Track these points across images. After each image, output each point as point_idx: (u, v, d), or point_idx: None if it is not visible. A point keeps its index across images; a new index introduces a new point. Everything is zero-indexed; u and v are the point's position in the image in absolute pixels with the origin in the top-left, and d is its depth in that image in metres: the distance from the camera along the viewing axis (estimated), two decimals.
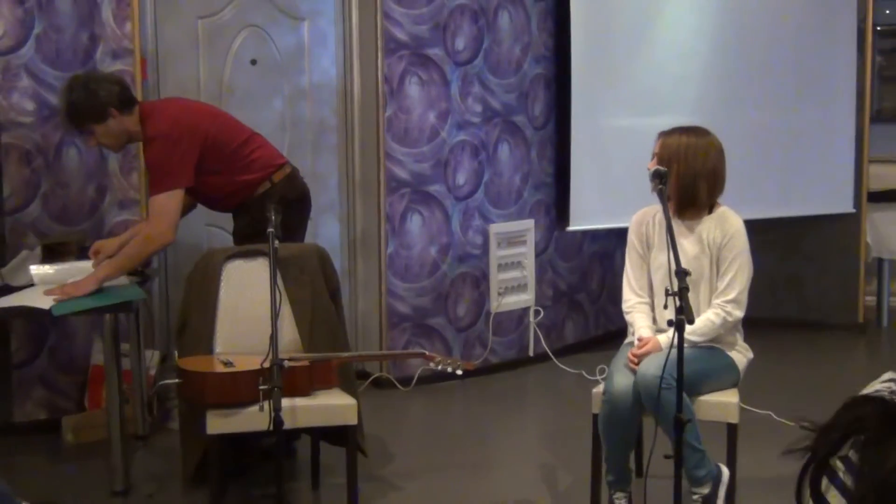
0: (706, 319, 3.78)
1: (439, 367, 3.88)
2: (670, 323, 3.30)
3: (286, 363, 3.32)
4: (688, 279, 3.42)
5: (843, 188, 6.72)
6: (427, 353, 3.97)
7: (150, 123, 4.26)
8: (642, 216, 4.00)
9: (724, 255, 3.84)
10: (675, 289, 3.31)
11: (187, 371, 3.69)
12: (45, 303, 4.02)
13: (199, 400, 3.70)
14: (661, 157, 3.83)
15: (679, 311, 3.28)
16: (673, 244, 3.45)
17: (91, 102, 4.18)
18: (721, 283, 3.83)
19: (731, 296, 3.81)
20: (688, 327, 3.60)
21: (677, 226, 3.84)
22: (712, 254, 3.85)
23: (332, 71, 5.73)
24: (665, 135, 3.89)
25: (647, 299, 3.96)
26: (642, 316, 3.91)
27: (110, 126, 4.24)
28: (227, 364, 3.69)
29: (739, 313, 3.82)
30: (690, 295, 3.49)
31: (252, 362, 3.56)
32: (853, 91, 6.65)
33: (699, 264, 3.82)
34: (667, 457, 3.41)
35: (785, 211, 6.62)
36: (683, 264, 3.55)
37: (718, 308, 3.80)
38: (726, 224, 3.87)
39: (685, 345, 3.63)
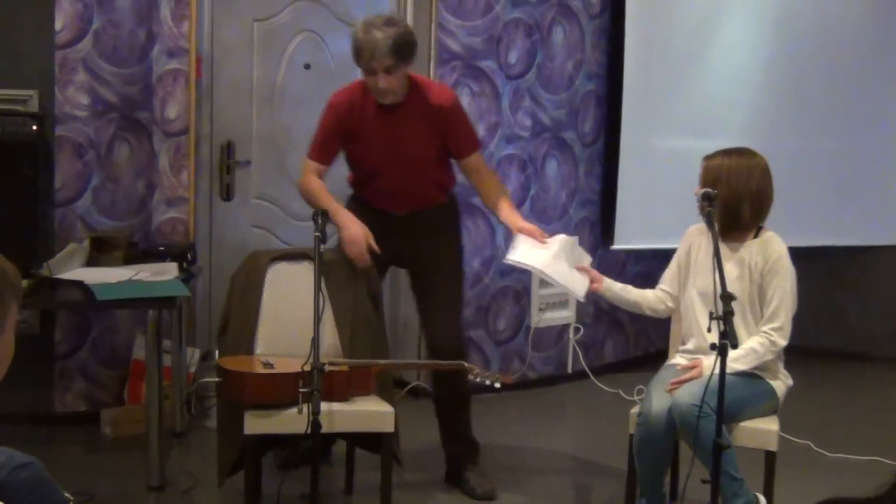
0: (749, 348, 3.74)
1: (478, 379, 3.87)
2: (713, 347, 3.28)
3: (326, 367, 3.32)
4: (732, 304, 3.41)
5: (893, 220, 6.64)
6: (467, 364, 3.96)
7: (437, 90, 4.32)
8: (695, 230, 4.00)
9: (767, 282, 3.80)
10: (720, 312, 3.28)
11: (227, 370, 3.71)
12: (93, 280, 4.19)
13: (238, 399, 3.71)
14: (705, 180, 3.81)
15: (723, 335, 3.25)
16: (720, 268, 3.42)
17: (414, 42, 4.13)
18: (766, 310, 3.80)
19: (776, 324, 3.77)
20: (731, 354, 3.59)
21: (723, 249, 3.82)
22: (753, 278, 3.82)
23: None
24: (708, 158, 3.87)
25: (671, 291, 4.08)
26: (654, 293, 4.17)
27: (406, 72, 4.14)
28: (267, 365, 3.71)
29: (784, 342, 3.78)
30: (735, 317, 3.47)
31: (292, 365, 3.57)
32: None
33: (739, 288, 3.79)
34: (703, 482, 3.39)
35: (833, 240, 6.55)
36: (727, 286, 3.55)
37: (763, 336, 3.76)
38: (769, 249, 3.83)
39: (727, 372, 3.63)
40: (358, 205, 4.33)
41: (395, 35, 3.98)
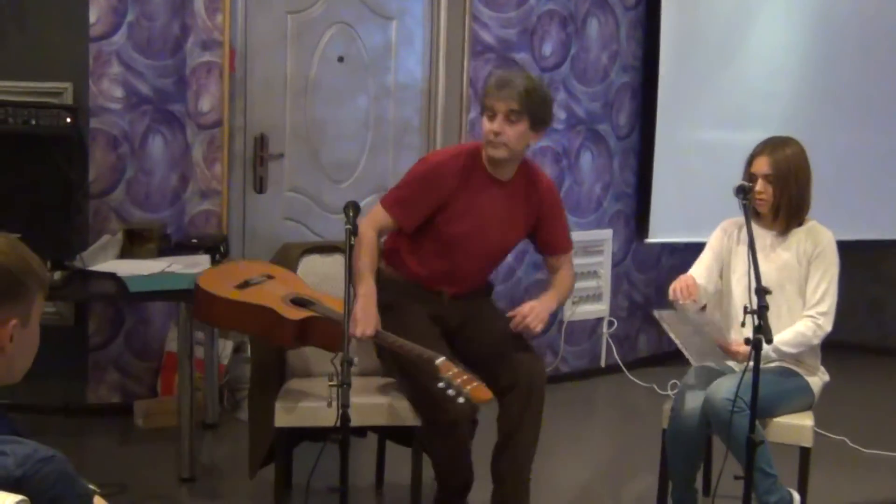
0: (797, 331, 3.72)
1: (440, 385, 3.32)
2: (748, 341, 3.25)
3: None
4: (776, 291, 3.48)
5: None
6: (438, 361, 3.41)
7: (546, 177, 4.03)
8: (730, 225, 3.97)
9: (815, 267, 3.78)
10: (755, 307, 3.25)
11: (199, 287, 3.71)
12: (126, 272, 4.21)
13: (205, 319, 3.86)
14: (778, 176, 3.75)
15: (757, 329, 3.22)
16: (755, 262, 3.39)
17: (549, 102, 3.81)
18: (813, 295, 3.77)
19: (823, 308, 3.75)
20: (780, 337, 3.64)
21: (771, 238, 3.82)
22: (803, 264, 3.79)
23: (417, 71, 5.73)
24: (769, 153, 3.78)
25: (705, 284, 3.91)
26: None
27: (527, 135, 3.74)
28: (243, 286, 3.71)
29: (829, 327, 3.76)
30: (781, 307, 3.60)
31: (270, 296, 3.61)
32: None
33: (789, 274, 3.78)
34: (737, 478, 3.35)
35: (870, 233, 6.47)
36: (775, 275, 3.64)
37: (809, 320, 3.74)
38: (819, 236, 3.82)
39: (774, 354, 3.68)
40: (401, 282, 3.86)
41: (532, 84, 3.69)
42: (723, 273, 3.95)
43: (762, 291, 3.30)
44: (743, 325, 3.34)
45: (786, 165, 3.76)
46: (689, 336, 3.84)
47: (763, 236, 3.82)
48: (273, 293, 3.69)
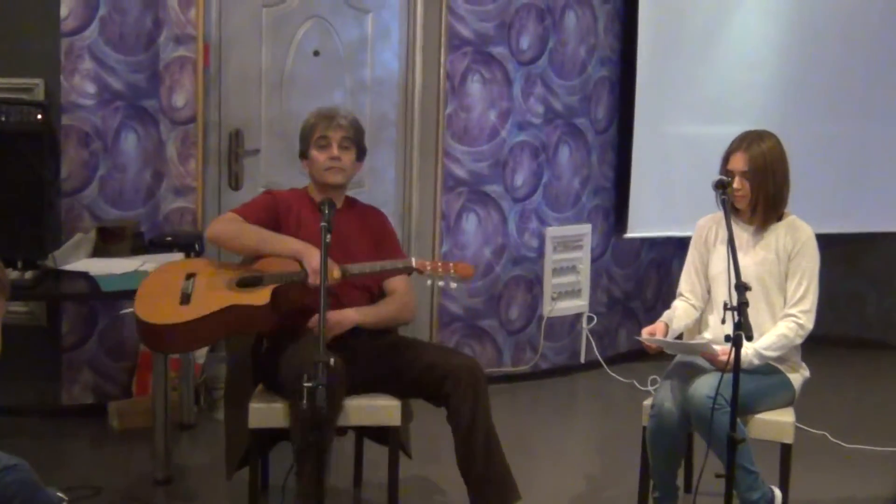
0: (779, 334, 3.69)
1: (431, 280, 3.69)
2: (728, 338, 3.22)
3: (332, 361, 3.25)
4: (755, 286, 3.48)
5: None
6: (415, 262, 3.68)
7: (371, 207, 4.13)
8: (707, 222, 3.94)
9: (796, 264, 3.75)
10: (735, 303, 3.22)
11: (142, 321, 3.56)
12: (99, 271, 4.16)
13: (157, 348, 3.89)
14: (755, 171, 3.72)
15: (737, 326, 3.19)
16: (734, 258, 3.36)
17: (364, 133, 4.04)
18: (795, 293, 3.74)
19: (805, 306, 3.72)
20: (761, 342, 3.64)
21: (749, 234, 3.80)
22: (781, 260, 3.76)
23: (394, 65, 5.68)
24: (745, 149, 3.75)
25: (695, 302, 3.92)
26: (683, 309, 3.90)
27: (355, 164, 3.96)
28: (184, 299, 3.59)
29: (811, 325, 3.73)
30: (760, 302, 3.59)
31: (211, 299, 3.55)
32: None
33: (769, 269, 3.75)
34: (718, 476, 3.32)
35: (849, 226, 6.46)
36: (753, 269, 3.63)
37: (790, 320, 3.71)
38: (799, 231, 3.79)
39: (757, 361, 3.66)
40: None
41: (353, 117, 3.98)
42: (703, 275, 3.92)
43: (742, 287, 3.27)
44: (723, 321, 3.31)
45: (762, 161, 3.73)
46: (673, 349, 3.83)
47: (741, 232, 3.80)
48: (216, 289, 3.62)
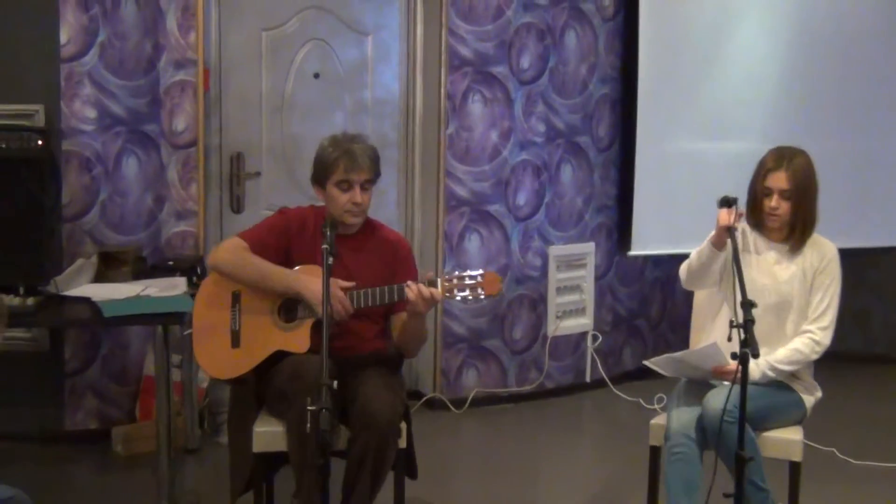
0: (793, 349, 3.66)
1: (457, 297, 3.49)
2: (734, 356, 3.19)
3: (334, 384, 3.23)
4: (781, 303, 3.56)
5: None
6: (439, 277, 3.54)
7: (392, 231, 4.03)
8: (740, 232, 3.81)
9: (819, 281, 3.73)
10: (741, 321, 3.20)
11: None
12: (101, 296, 4.12)
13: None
14: (796, 189, 3.67)
15: (743, 343, 3.17)
16: (739, 274, 3.34)
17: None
18: (816, 309, 3.71)
19: (824, 322, 3.70)
20: (775, 355, 3.62)
21: (778, 252, 3.76)
22: (807, 277, 3.73)
23: (394, 86, 5.68)
24: (787, 167, 3.67)
25: None
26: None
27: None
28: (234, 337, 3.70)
29: (828, 342, 3.70)
30: (784, 320, 3.63)
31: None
32: None
33: (799, 288, 3.71)
34: (726, 495, 3.29)
35: (854, 242, 6.41)
36: (781, 287, 3.65)
37: (807, 337, 3.68)
38: (824, 248, 3.77)
39: (771, 374, 3.64)
40: None
41: (371, 149, 3.79)
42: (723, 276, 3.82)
43: (749, 305, 3.25)
44: (729, 339, 3.27)
45: (803, 179, 3.68)
46: (684, 371, 3.78)
47: (770, 250, 3.76)
48: (261, 326, 3.69)
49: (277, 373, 3.62)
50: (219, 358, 3.72)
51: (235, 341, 3.70)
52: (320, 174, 3.78)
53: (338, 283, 3.60)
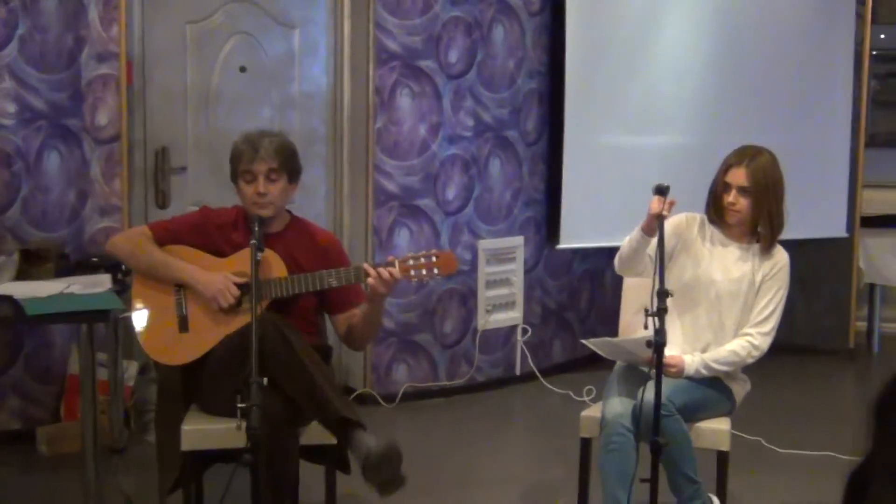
0: (731, 350, 3.69)
1: (413, 275, 3.53)
2: (649, 344, 3.21)
3: (264, 381, 3.20)
4: (728, 302, 3.62)
5: (836, 212, 6.64)
6: (365, 265, 3.57)
7: (321, 230, 4.01)
8: (691, 218, 3.83)
9: (767, 286, 3.75)
10: (655, 309, 3.23)
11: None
12: (23, 294, 4.02)
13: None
14: (756, 185, 3.67)
15: (657, 332, 3.19)
16: (661, 263, 3.36)
17: (297, 153, 3.83)
18: (760, 314, 3.74)
19: (766, 328, 3.73)
20: (712, 354, 3.67)
21: (735, 250, 3.77)
22: (756, 281, 3.75)
23: (322, 80, 5.64)
24: (747, 164, 3.69)
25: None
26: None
27: (287, 191, 3.78)
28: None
29: (766, 347, 3.74)
30: (728, 319, 3.68)
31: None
32: (849, 115, 6.58)
33: (741, 288, 3.73)
34: (643, 480, 3.31)
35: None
36: (730, 286, 3.68)
37: (746, 340, 3.71)
38: (776, 255, 3.79)
39: (706, 372, 3.68)
40: None
41: (281, 140, 3.75)
42: (676, 258, 3.80)
43: (664, 294, 3.27)
44: (645, 327, 3.28)
45: (763, 177, 3.69)
46: (619, 355, 3.80)
47: (727, 246, 3.78)
48: (208, 311, 3.63)
49: (212, 360, 3.56)
50: (167, 344, 3.65)
51: (183, 326, 3.63)
52: (232, 169, 3.78)
53: (228, 276, 3.60)
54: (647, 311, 3.24)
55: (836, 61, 6.53)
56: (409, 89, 5.60)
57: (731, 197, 3.70)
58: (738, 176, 3.70)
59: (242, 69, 5.43)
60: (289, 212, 3.89)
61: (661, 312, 3.21)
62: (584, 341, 3.81)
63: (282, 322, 3.51)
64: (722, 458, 3.70)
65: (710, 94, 6.28)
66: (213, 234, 3.76)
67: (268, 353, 3.30)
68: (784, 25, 6.40)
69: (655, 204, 3.50)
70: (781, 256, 3.79)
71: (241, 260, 3.58)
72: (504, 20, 5.89)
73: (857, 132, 6.64)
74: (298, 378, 3.43)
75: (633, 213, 3.97)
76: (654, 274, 3.35)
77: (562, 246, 6.15)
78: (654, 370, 3.24)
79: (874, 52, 6.98)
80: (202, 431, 3.56)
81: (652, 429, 3.28)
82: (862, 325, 7.08)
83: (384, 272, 3.52)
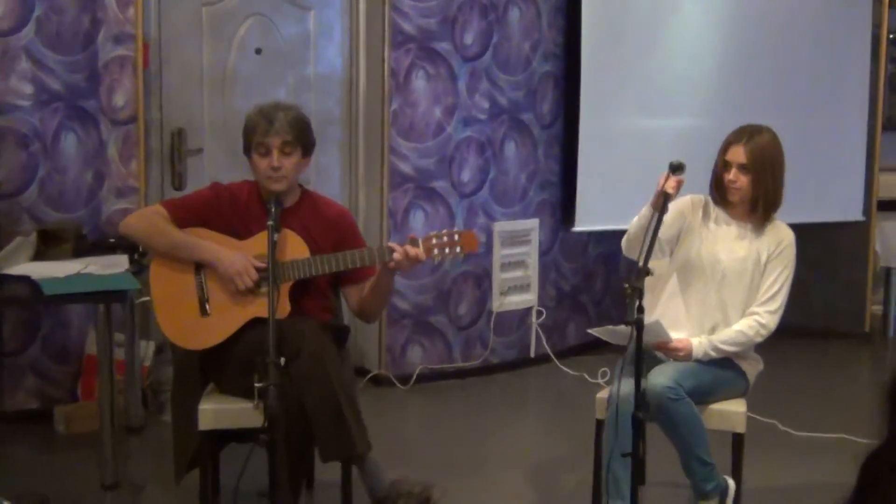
0: (738, 330, 3.68)
1: (436, 253, 3.58)
2: (627, 323, 3.20)
3: (282, 361, 3.21)
4: (734, 281, 3.62)
5: (852, 196, 6.63)
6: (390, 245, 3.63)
7: (333, 203, 3.99)
8: (697, 201, 3.83)
9: (773, 265, 3.74)
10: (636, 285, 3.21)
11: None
12: (40, 274, 4.03)
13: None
14: (754, 164, 3.68)
15: (639, 310, 3.20)
16: (651, 242, 3.37)
17: (311, 126, 3.81)
18: (766, 293, 3.73)
19: (773, 306, 3.72)
20: (720, 336, 3.65)
21: (737, 228, 3.77)
22: (761, 260, 3.74)
23: (337, 62, 5.64)
24: (746, 142, 3.70)
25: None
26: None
27: (303, 163, 3.77)
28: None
29: (774, 325, 3.72)
30: (735, 298, 3.67)
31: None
32: (865, 99, 6.55)
33: (746, 267, 3.73)
34: (624, 455, 3.32)
35: (794, 217, 6.44)
36: (735, 265, 3.68)
37: (753, 319, 3.70)
38: (782, 234, 3.78)
39: (714, 354, 3.67)
40: None
41: (295, 112, 3.72)
42: (682, 240, 3.82)
43: (644, 272, 3.26)
44: (640, 311, 3.27)
45: (761, 155, 3.69)
46: (624, 340, 3.79)
47: (731, 225, 3.78)
48: (231, 294, 3.60)
49: (241, 345, 3.56)
50: (188, 328, 3.63)
51: (204, 310, 3.62)
52: (245, 142, 3.76)
53: (248, 258, 3.59)
54: (626, 288, 3.22)
55: (852, 44, 6.50)
56: (424, 71, 5.59)
57: (731, 175, 3.71)
58: (738, 153, 3.71)
59: (258, 51, 5.43)
60: (300, 185, 3.88)
61: (638, 291, 3.19)
62: (589, 330, 3.80)
63: (323, 341, 3.51)
64: (738, 441, 3.70)
65: (725, 76, 6.26)
66: (225, 211, 3.75)
67: (304, 376, 3.39)
68: (801, 8, 6.38)
69: (663, 179, 3.50)
70: (787, 235, 3.79)
71: (263, 242, 3.57)
72: (519, 2, 5.88)
73: (874, 115, 6.60)
74: (326, 409, 3.45)
75: (648, 196, 3.93)
76: (641, 254, 3.33)
77: (577, 228, 6.15)
78: (635, 351, 3.22)
79: (891, 36, 6.94)
80: (219, 411, 3.58)
81: (633, 403, 3.27)
82: (878, 308, 7.06)
83: (412, 250, 3.55)
